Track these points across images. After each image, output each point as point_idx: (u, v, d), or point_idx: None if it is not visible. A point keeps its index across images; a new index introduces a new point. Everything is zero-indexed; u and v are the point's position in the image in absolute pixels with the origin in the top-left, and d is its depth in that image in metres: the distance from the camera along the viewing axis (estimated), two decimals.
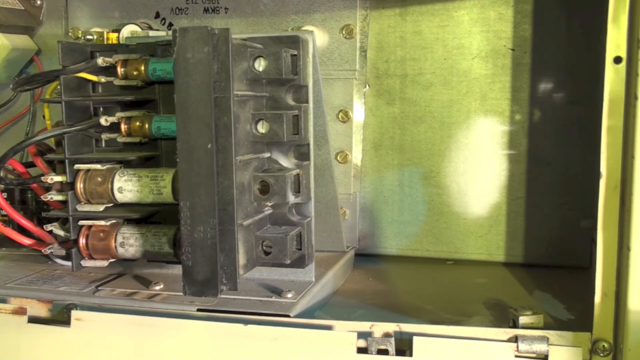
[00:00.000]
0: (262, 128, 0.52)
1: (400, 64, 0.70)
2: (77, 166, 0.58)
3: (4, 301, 0.56)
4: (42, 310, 0.55)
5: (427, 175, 0.71)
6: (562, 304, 0.56)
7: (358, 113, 0.71)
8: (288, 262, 0.50)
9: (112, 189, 0.57)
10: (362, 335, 0.48)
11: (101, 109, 0.61)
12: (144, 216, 0.59)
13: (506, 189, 0.69)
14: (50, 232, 0.62)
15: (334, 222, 0.65)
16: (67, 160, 0.58)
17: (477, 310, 0.55)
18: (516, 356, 0.47)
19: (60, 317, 0.54)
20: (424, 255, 0.72)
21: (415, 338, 0.48)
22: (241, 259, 0.47)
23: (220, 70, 0.45)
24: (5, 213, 0.64)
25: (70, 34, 0.75)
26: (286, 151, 0.54)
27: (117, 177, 0.57)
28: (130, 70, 0.57)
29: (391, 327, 0.49)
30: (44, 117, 0.66)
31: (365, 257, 0.73)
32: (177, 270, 0.61)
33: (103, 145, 0.62)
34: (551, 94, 0.67)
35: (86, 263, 0.61)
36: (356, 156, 0.71)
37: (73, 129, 0.58)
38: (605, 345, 0.46)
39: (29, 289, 0.58)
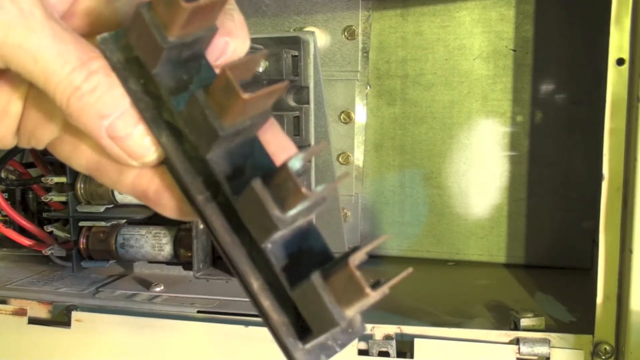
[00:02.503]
0: None
1: (402, 64, 0.70)
2: None
3: (4, 302, 0.56)
4: (42, 312, 0.55)
5: (428, 176, 0.71)
6: (563, 306, 0.56)
7: (360, 114, 0.71)
8: None
9: (112, 190, 0.57)
10: (363, 337, 0.48)
11: None
12: (145, 217, 0.59)
13: (507, 190, 0.69)
14: (51, 232, 0.62)
15: (336, 223, 0.64)
16: None
17: (478, 312, 0.55)
18: (517, 358, 0.47)
19: (60, 318, 0.54)
20: (425, 256, 0.72)
21: (416, 340, 0.48)
22: None
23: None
24: (5, 214, 0.64)
25: None
26: None
27: None
28: None
29: (392, 329, 0.49)
30: None
31: None
32: (178, 271, 0.61)
33: None
34: (553, 95, 0.67)
35: (86, 264, 0.61)
36: (358, 157, 0.71)
37: None
38: (607, 347, 0.46)
39: (29, 290, 0.58)
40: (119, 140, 0.25)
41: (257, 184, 0.22)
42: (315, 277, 0.22)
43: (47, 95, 0.24)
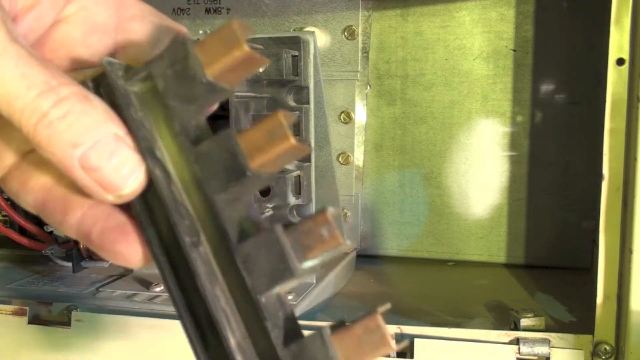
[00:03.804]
0: None
1: (402, 64, 0.70)
2: None
3: (4, 302, 0.55)
4: (42, 311, 0.55)
5: (428, 176, 0.71)
6: (563, 306, 0.56)
7: (360, 114, 0.71)
8: None
9: None
10: None
11: None
12: None
13: (507, 190, 0.69)
14: (51, 232, 0.62)
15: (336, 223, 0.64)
16: None
17: (478, 312, 0.55)
18: (517, 358, 0.47)
19: (60, 318, 0.54)
20: (425, 256, 0.72)
21: (416, 340, 0.48)
22: None
23: None
24: (5, 214, 0.64)
25: None
26: None
27: None
28: None
29: (392, 329, 0.49)
30: None
31: (365, 258, 0.73)
32: None
33: None
34: (553, 95, 0.67)
35: (87, 264, 0.61)
36: (358, 157, 0.71)
37: None
38: (607, 347, 0.46)
39: (29, 290, 0.58)
40: (93, 172, 0.23)
41: (278, 229, 0.22)
42: (325, 331, 0.21)
43: (13, 124, 0.23)
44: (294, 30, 0.68)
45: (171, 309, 0.52)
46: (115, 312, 0.53)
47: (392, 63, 0.70)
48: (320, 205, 0.60)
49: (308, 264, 0.22)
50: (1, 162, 0.26)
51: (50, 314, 0.55)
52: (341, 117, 0.69)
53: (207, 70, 0.23)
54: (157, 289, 0.57)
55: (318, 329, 0.22)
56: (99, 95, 0.24)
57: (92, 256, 0.61)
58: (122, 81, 0.24)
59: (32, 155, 0.26)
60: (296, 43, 0.53)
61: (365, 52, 0.70)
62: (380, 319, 0.21)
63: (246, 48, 0.22)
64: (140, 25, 0.27)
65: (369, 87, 0.71)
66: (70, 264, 0.60)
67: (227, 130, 0.23)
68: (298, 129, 0.53)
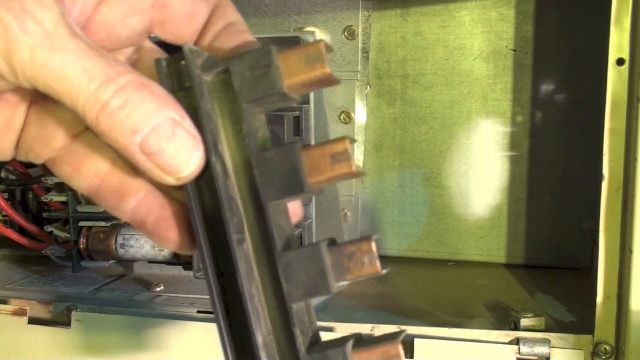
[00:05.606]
0: None
1: (401, 64, 0.70)
2: None
3: (4, 302, 0.56)
4: (42, 311, 0.55)
5: (428, 176, 0.71)
6: (563, 306, 0.56)
7: (360, 114, 0.71)
8: None
9: None
10: None
11: None
12: None
13: (507, 190, 0.69)
14: (51, 232, 0.62)
15: (336, 223, 0.64)
16: None
17: (478, 312, 0.55)
18: (518, 358, 0.47)
19: (60, 318, 0.54)
20: (425, 256, 0.72)
21: (416, 340, 0.48)
22: None
23: None
24: (5, 214, 0.64)
25: None
26: None
27: None
28: None
29: (392, 329, 0.49)
30: None
31: None
32: (178, 271, 0.61)
33: None
34: (553, 94, 0.67)
35: (86, 264, 0.61)
36: (358, 157, 0.71)
37: None
38: (607, 347, 0.46)
39: (29, 290, 0.58)
40: (153, 156, 0.24)
41: (323, 247, 0.23)
42: (347, 347, 0.23)
43: (77, 115, 0.24)
44: (294, 30, 0.68)
45: (171, 309, 0.52)
46: (115, 312, 0.53)
47: (392, 63, 0.70)
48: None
49: (343, 283, 0.24)
50: (51, 144, 0.27)
51: (50, 314, 0.55)
52: (341, 117, 0.69)
53: (285, 82, 0.24)
54: (157, 289, 0.57)
55: (341, 343, 0.23)
56: (170, 76, 0.25)
57: (92, 256, 0.61)
58: (198, 70, 0.25)
59: (81, 137, 0.27)
60: (296, 43, 0.53)
61: (365, 52, 0.70)
62: (400, 347, 0.23)
63: (328, 70, 0.24)
64: (177, 2, 0.28)
65: (369, 87, 0.71)
66: (70, 264, 0.60)
67: (292, 144, 0.24)
68: (298, 129, 0.53)
